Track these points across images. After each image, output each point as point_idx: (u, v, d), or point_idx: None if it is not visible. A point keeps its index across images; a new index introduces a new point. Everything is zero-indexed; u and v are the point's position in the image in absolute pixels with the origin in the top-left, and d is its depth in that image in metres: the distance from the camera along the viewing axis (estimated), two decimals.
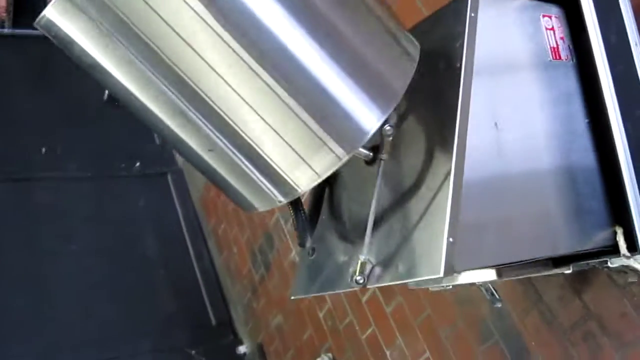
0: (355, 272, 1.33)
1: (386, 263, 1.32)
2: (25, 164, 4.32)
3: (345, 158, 1.21)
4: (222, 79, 1.16)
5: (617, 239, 1.42)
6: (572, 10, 1.54)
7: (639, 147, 1.44)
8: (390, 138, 1.31)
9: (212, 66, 1.15)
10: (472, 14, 1.37)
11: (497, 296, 1.74)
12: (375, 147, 1.39)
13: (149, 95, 1.23)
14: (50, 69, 4.40)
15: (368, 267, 1.34)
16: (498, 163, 1.38)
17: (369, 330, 2.92)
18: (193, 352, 4.02)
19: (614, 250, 1.45)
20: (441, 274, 1.17)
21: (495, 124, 1.37)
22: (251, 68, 1.15)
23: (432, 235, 1.23)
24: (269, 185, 1.28)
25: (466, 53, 1.32)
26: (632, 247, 1.40)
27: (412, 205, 1.33)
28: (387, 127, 1.28)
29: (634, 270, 1.46)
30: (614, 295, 1.77)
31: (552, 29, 1.52)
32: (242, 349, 4.18)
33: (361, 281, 1.33)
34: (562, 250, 1.41)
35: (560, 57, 1.51)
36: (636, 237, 1.40)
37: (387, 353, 2.80)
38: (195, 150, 1.30)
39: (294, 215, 1.48)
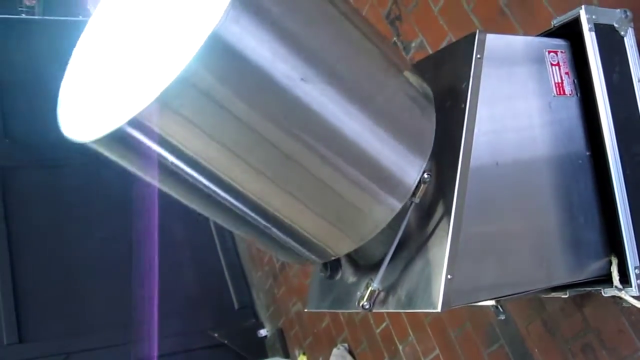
0: (363, 298, 1.43)
1: (390, 290, 1.41)
2: (54, 149, 4.46)
3: (386, 222, 1.31)
4: (264, 174, 1.20)
5: (612, 269, 1.50)
6: (577, 44, 1.60)
7: (635, 185, 1.50)
8: (428, 184, 1.34)
9: (256, 167, 1.19)
10: (478, 56, 1.44)
11: (501, 309, 1.83)
12: None
13: (197, 203, 1.34)
14: None
15: (375, 293, 1.44)
16: (498, 197, 1.46)
17: (383, 325, 3.04)
18: (216, 334, 4.18)
19: (607, 280, 1.52)
20: (438, 310, 1.27)
21: (497, 163, 1.44)
22: (295, 160, 1.20)
23: (432, 269, 1.32)
24: (308, 254, 1.40)
25: (470, 96, 1.40)
26: (624, 280, 1.48)
27: (417, 238, 1.42)
28: (425, 175, 1.32)
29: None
30: (613, 312, 1.85)
31: (557, 64, 1.58)
32: (263, 332, 4.34)
33: (367, 307, 1.43)
34: (558, 281, 1.49)
35: (564, 93, 1.57)
36: (628, 270, 1.48)
37: (400, 347, 2.92)
38: (241, 234, 1.42)
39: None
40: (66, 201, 4.25)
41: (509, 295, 1.43)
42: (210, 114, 1.08)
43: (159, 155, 1.13)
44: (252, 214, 1.29)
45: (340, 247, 1.36)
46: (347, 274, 1.62)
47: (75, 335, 3.84)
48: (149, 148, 1.10)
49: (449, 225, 1.32)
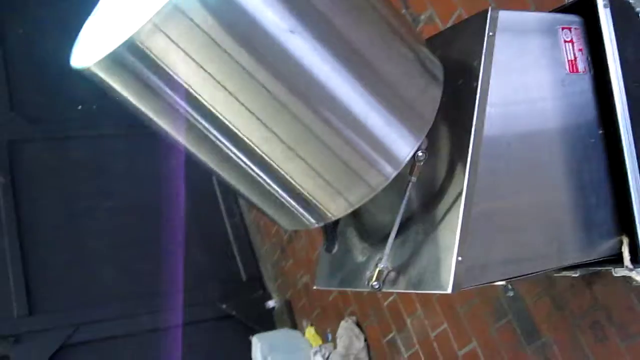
0: (372, 278, 1.43)
1: (401, 270, 1.41)
2: (62, 122, 4.47)
3: (380, 188, 1.30)
4: (260, 120, 1.20)
5: (622, 249, 1.49)
6: (591, 20, 1.57)
7: None
8: (422, 162, 1.34)
9: (255, 113, 1.19)
10: (490, 34, 1.41)
11: (509, 287, 1.84)
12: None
13: (187, 139, 1.30)
14: None
15: (384, 272, 1.43)
16: (508, 175, 1.45)
17: (391, 299, 3.06)
18: (224, 305, 4.22)
19: (618, 260, 1.52)
20: (449, 291, 1.27)
21: (508, 140, 1.43)
22: (293, 113, 1.20)
23: (442, 251, 1.31)
24: (304, 213, 1.37)
25: (482, 74, 1.37)
26: (635, 259, 1.47)
27: (428, 217, 1.41)
28: (419, 153, 1.31)
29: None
30: (622, 289, 1.85)
31: (571, 41, 1.55)
32: (271, 304, 4.37)
33: (377, 287, 1.43)
34: (569, 261, 1.48)
35: (577, 70, 1.55)
36: (639, 248, 1.47)
37: (407, 321, 2.94)
38: (234, 184, 1.39)
39: (322, 228, 1.53)
40: (74, 173, 4.26)
41: (520, 276, 1.42)
42: (200, 43, 1.11)
43: (155, 82, 1.16)
44: (243, 157, 1.27)
45: (334, 208, 1.33)
46: (356, 253, 1.62)
47: (85, 307, 3.88)
48: (145, 73, 1.14)
49: (460, 206, 1.30)
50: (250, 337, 4.00)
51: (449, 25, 2.50)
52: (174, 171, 4.52)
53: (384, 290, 1.44)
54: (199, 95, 1.17)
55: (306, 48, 1.17)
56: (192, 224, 4.44)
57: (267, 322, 4.29)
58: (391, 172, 1.28)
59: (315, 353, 3.66)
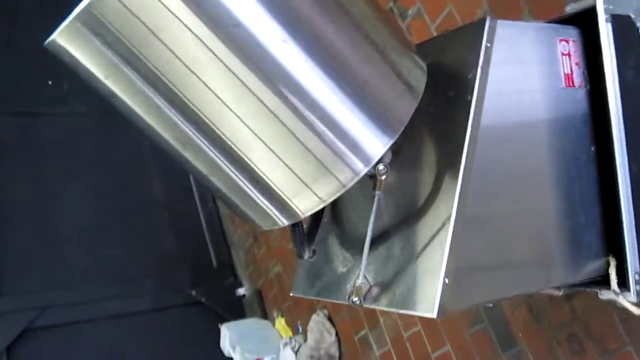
0: (352, 293, 1.37)
1: (384, 286, 1.36)
2: (30, 97, 4.30)
3: (350, 184, 1.24)
4: (227, 105, 1.17)
5: (610, 271, 1.46)
6: (590, 33, 1.52)
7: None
8: (384, 177, 1.31)
9: (217, 94, 1.16)
10: (488, 44, 1.35)
11: None
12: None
13: (153, 119, 1.26)
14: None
15: (365, 287, 1.38)
16: (497, 194, 1.40)
17: None
18: (193, 292, 4.15)
19: (604, 282, 1.48)
20: (434, 316, 1.22)
21: (498, 156, 1.37)
22: (256, 95, 1.16)
23: (429, 272, 1.26)
24: (272, 209, 1.31)
25: (477, 87, 1.32)
26: (622, 283, 1.44)
27: (414, 233, 1.35)
28: (380, 167, 1.29)
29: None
30: (603, 306, 1.82)
31: (568, 54, 1.50)
32: (241, 291, 4.32)
33: (358, 303, 1.38)
34: (554, 283, 1.45)
35: (573, 84, 1.50)
36: (627, 272, 1.43)
37: (381, 320, 2.91)
38: (200, 172, 1.33)
39: (290, 229, 1.47)
40: (44, 152, 4.10)
41: (505, 298, 1.38)
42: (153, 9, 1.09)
43: (113, 54, 1.15)
44: (206, 141, 1.24)
45: (303, 204, 1.27)
46: (337, 263, 1.57)
47: (52, 290, 3.77)
48: (103, 42, 1.14)
49: (448, 228, 1.25)
50: (220, 324, 3.95)
51: (437, 21, 2.44)
52: (147, 154, 4.41)
53: (365, 306, 1.39)
54: (158, 70, 1.14)
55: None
56: (163, 209, 4.36)
57: (236, 310, 4.24)
58: (361, 168, 1.23)
59: (285, 345, 3.62)
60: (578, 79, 1.51)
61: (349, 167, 1.23)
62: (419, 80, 1.31)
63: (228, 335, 3.83)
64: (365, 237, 1.38)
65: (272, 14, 1.13)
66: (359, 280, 1.35)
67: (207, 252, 4.35)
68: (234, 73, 1.14)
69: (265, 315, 4.13)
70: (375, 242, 1.42)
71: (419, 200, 1.38)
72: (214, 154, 1.25)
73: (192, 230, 4.36)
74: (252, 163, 1.23)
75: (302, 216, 1.31)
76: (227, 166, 1.26)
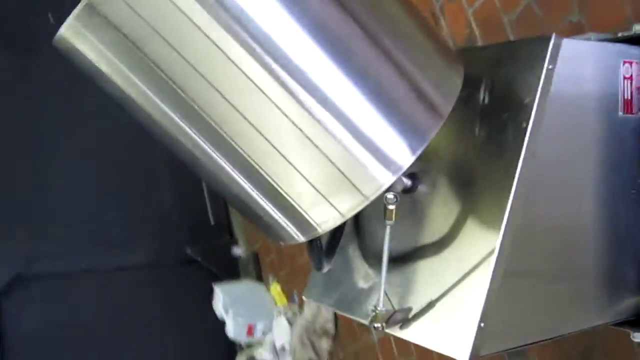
0: (374, 318, 1.29)
1: (410, 315, 1.28)
2: (27, 32, 4.05)
3: (372, 198, 1.15)
4: (247, 120, 1.10)
5: None
6: None
7: None
8: (393, 207, 1.19)
9: (239, 110, 1.10)
10: (550, 67, 1.23)
11: None
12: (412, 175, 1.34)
13: (171, 130, 1.23)
14: None
15: (388, 313, 1.30)
16: (538, 232, 1.30)
17: None
18: (189, 249, 4.08)
19: (637, 322, 1.41)
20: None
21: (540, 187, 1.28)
22: (279, 107, 1.08)
23: (463, 311, 1.18)
24: (290, 225, 1.23)
25: (535, 114, 1.20)
26: None
27: (447, 263, 1.27)
28: (389, 195, 1.17)
29: None
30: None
31: (631, 77, 1.38)
32: (237, 251, 4.25)
33: (380, 329, 1.30)
34: (586, 325, 1.37)
35: (631, 112, 1.39)
36: None
37: None
38: (220, 187, 1.29)
39: (307, 244, 1.36)
40: (41, 95, 3.90)
41: (534, 343, 1.31)
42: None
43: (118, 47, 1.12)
44: (215, 150, 1.18)
45: (322, 218, 1.18)
46: (358, 277, 1.49)
47: (46, 239, 3.68)
48: (109, 34, 1.11)
49: (490, 266, 1.16)
50: (213, 284, 3.90)
51: (476, 5, 2.28)
52: None
53: (387, 330, 1.31)
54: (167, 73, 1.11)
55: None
56: (162, 163, 4.22)
57: (232, 270, 4.18)
58: (387, 179, 1.13)
59: (279, 313, 3.58)
60: (637, 105, 1.40)
61: (375, 178, 1.13)
62: (453, 89, 1.21)
63: (222, 297, 3.78)
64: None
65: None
66: (380, 307, 1.27)
67: (205, 209, 4.26)
68: (256, 84, 1.07)
69: (260, 278, 4.08)
70: (402, 261, 1.35)
71: (453, 225, 1.29)
72: (232, 170, 1.19)
73: (191, 187, 4.23)
74: (272, 179, 1.16)
75: (320, 232, 1.22)
76: (244, 181, 1.19)
